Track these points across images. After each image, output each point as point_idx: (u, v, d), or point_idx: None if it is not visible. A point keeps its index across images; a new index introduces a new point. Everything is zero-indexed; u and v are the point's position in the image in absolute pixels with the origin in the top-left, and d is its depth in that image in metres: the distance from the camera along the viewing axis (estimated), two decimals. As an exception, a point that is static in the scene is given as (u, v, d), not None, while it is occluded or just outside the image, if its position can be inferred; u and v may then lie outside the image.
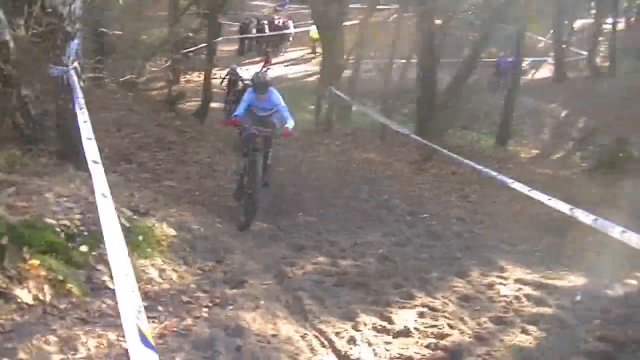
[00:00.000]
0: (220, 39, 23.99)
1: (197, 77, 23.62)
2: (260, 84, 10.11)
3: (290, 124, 9.97)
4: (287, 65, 32.89)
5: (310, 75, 30.53)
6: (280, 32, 33.79)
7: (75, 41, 7.06)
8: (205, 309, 5.49)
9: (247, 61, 31.79)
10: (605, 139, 21.25)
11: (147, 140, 12.61)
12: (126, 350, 4.38)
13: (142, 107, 14.62)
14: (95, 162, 4.22)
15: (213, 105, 19.57)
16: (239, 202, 10.42)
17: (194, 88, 22.18)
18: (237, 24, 33.10)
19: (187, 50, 19.75)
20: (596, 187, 15.82)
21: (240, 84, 19.14)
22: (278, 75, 29.74)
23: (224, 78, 21.55)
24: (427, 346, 5.98)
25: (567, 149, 24.04)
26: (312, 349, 5.59)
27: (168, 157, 12.24)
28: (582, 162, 21.47)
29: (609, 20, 33.76)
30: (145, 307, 4.92)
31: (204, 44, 21.01)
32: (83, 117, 5.32)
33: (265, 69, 21.49)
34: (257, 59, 33.13)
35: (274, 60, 33.02)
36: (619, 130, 19.67)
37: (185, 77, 24.03)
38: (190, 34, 20.00)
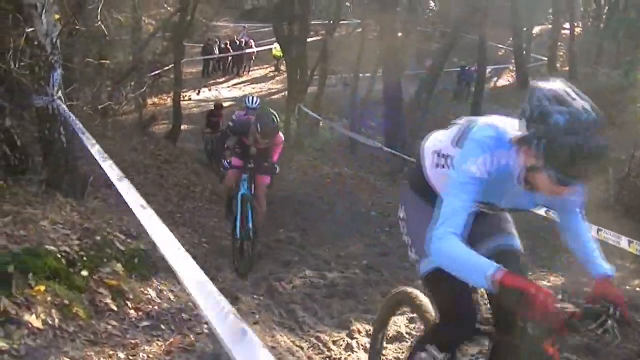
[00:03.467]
0: (184, 60, 24.10)
1: (164, 100, 23.73)
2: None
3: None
4: (251, 85, 33.10)
5: (275, 94, 30.76)
6: (243, 52, 33.94)
7: (58, 71, 7.18)
8: (205, 326, 5.62)
9: (212, 82, 31.97)
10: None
11: (123, 165, 12.59)
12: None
13: (115, 132, 14.66)
14: (143, 207, 4.17)
15: (184, 127, 19.74)
16: None
17: (163, 111, 22.30)
18: (199, 45, 33.18)
19: (154, 73, 19.85)
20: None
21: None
22: (244, 95, 29.98)
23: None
24: (422, 349, 6.18)
25: (535, 154, 24.39)
26: (310, 358, 5.78)
27: (145, 181, 12.29)
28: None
29: (567, 25, 34.64)
30: (149, 327, 5.12)
31: (169, 67, 21.19)
32: (101, 157, 5.32)
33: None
34: (223, 79, 33.29)
35: (238, 80, 33.23)
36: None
37: (153, 100, 24.07)
38: (157, 57, 20.11)
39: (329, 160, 18.97)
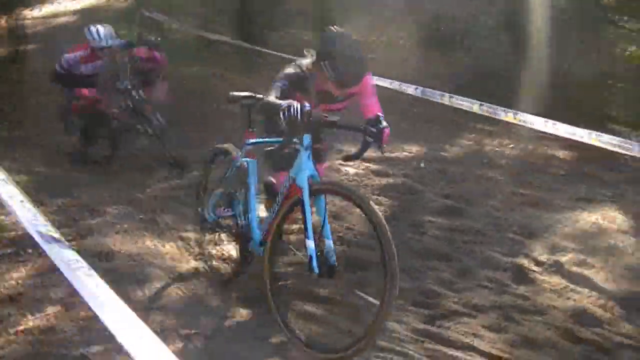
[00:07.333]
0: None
1: None
2: None
3: None
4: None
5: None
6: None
7: None
8: (73, 242, 5.88)
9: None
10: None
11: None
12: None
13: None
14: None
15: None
16: None
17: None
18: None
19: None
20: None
21: None
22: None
23: None
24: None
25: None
26: (172, 258, 6.07)
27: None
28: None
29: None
30: (15, 251, 5.34)
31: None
32: None
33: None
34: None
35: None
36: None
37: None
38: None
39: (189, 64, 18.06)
